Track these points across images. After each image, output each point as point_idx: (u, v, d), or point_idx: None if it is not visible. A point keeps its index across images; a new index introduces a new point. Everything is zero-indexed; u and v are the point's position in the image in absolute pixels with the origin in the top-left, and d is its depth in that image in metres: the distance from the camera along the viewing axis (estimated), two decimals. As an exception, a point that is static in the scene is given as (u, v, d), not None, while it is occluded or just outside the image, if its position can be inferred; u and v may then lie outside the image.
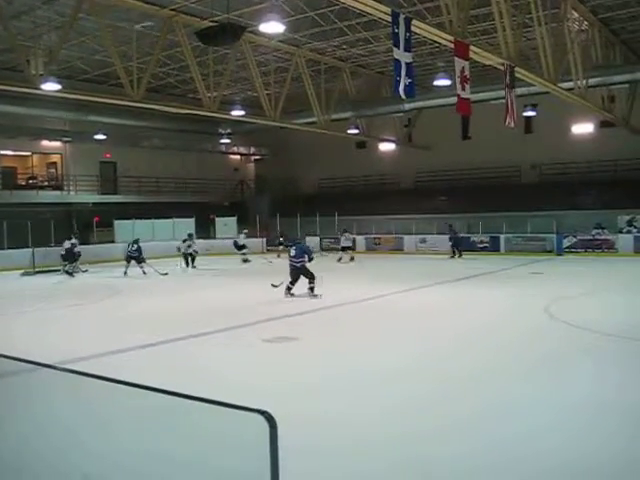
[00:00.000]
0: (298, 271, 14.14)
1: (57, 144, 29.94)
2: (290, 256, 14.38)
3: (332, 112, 24.77)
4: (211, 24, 15.98)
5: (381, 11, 11.20)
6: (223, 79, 20.92)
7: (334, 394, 6.68)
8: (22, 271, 22.03)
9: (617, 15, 19.50)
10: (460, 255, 24.99)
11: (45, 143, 29.68)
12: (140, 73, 18.45)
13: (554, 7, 16.79)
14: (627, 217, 24.81)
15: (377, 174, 34.27)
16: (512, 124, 14.72)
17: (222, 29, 13.53)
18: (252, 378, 7.29)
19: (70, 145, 30.16)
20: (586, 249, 24.69)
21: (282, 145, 35.08)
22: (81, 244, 22.83)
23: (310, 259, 14.25)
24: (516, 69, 14.60)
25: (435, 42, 14.71)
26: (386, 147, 33.48)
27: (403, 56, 11.26)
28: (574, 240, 25.05)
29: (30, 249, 23.12)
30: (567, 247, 25.08)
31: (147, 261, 20.76)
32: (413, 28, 11.41)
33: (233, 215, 32.61)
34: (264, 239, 31.20)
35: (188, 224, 29.02)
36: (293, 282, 14.20)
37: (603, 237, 24.60)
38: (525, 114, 26.85)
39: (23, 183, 29.53)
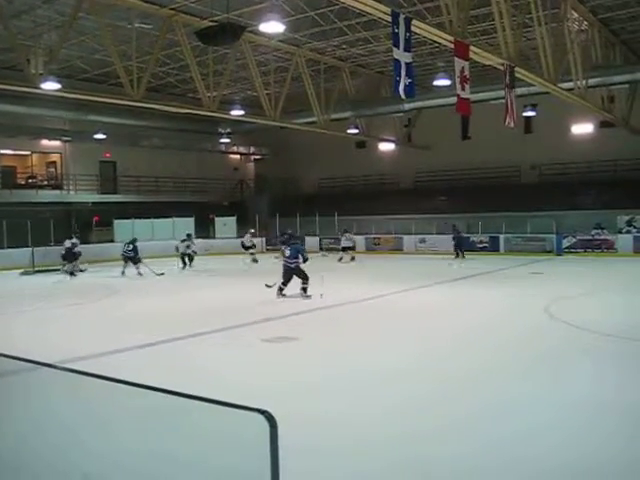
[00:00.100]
0: (292, 271, 14.10)
1: (57, 143, 29.91)
2: (285, 256, 14.35)
3: (332, 112, 24.76)
4: (211, 24, 15.97)
5: (381, 11, 11.19)
6: (223, 79, 20.91)
7: (334, 394, 6.68)
8: (21, 270, 22.03)
9: (617, 15, 19.50)
10: (463, 256, 24.99)
11: (45, 142, 29.66)
12: (140, 72, 18.44)
13: (554, 7, 16.79)
14: (626, 217, 24.80)
15: (377, 174, 34.27)
16: (512, 124, 14.71)
17: (222, 29, 13.53)
18: (252, 378, 7.29)
19: (70, 144, 30.14)
20: (586, 249, 24.69)
21: (282, 145, 35.07)
22: (81, 243, 22.78)
23: (305, 260, 14.22)
24: (516, 69, 14.60)
25: (435, 42, 14.70)
26: (386, 147, 33.48)
27: (403, 56, 11.26)
28: (574, 240, 25.06)
29: (29, 248, 23.13)
30: (567, 247, 25.09)
31: (144, 261, 20.61)
32: (413, 28, 11.40)
33: (233, 215, 32.63)
34: (263, 239, 31.21)
35: (187, 224, 29.04)
36: (285, 282, 14.15)
37: (603, 237, 24.60)
38: (525, 114, 26.87)
39: (23, 182, 29.49)
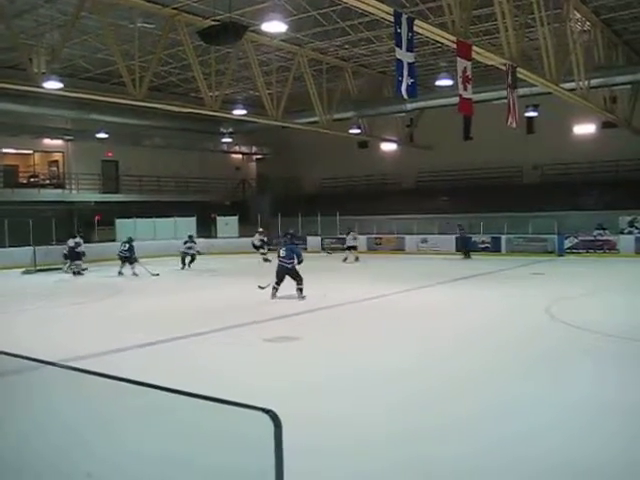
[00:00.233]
0: (287, 272, 13.96)
1: (59, 142, 29.97)
2: (280, 256, 14.26)
3: (334, 112, 24.75)
4: (213, 23, 15.96)
5: (383, 11, 11.19)
6: (225, 78, 20.91)
7: (336, 394, 6.68)
8: (23, 269, 22.04)
9: (619, 16, 19.49)
10: (469, 256, 24.98)
11: (47, 141, 29.71)
12: (142, 72, 18.45)
13: (556, 7, 16.79)
14: (628, 218, 24.80)
15: (379, 174, 34.27)
16: (514, 124, 14.71)
17: (224, 28, 13.52)
18: (253, 377, 7.29)
19: (72, 143, 30.20)
20: (587, 250, 24.67)
21: (284, 144, 35.08)
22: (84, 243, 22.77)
23: (299, 261, 14.14)
24: (518, 69, 14.59)
25: (437, 42, 14.69)
26: (388, 147, 33.49)
27: (405, 56, 11.26)
28: (575, 241, 25.03)
29: (31, 247, 23.15)
30: (568, 248, 25.06)
31: (140, 261, 20.39)
32: (415, 28, 11.41)
33: (234, 214, 32.63)
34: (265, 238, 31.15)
35: (189, 223, 29.09)
36: (279, 282, 14.08)
37: (604, 238, 24.56)
38: (527, 114, 26.68)
39: (25, 181, 29.54)
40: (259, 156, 39.51)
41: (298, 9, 18.14)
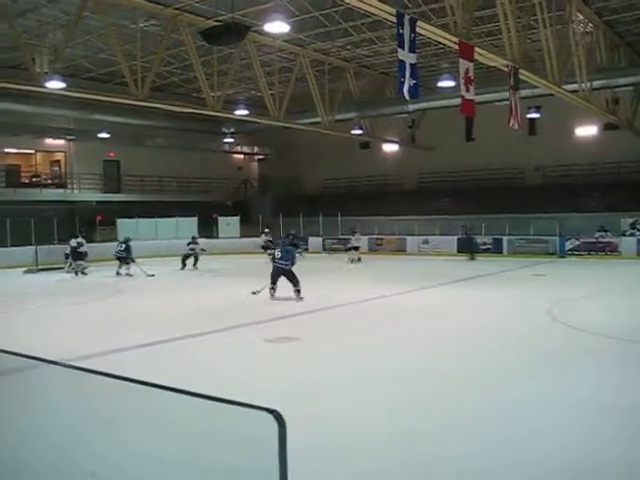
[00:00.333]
0: (282, 272, 13.93)
1: (61, 142, 30.00)
2: (276, 258, 14.26)
3: (336, 112, 24.74)
4: (216, 23, 15.99)
5: (386, 12, 11.18)
6: (227, 78, 20.93)
7: (337, 394, 6.68)
8: (25, 269, 22.05)
9: (622, 17, 19.48)
10: (474, 257, 24.95)
11: (49, 141, 29.75)
12: (144, 72, 18.46)
13: (559, 9, 16.77)
14: (630, 220, 24.76)
15: (380, 175, 34.26)
16: (516, 126, 14.69)
17: (227, 29, 13.55)
18: (254, 377, 7.30)
19: (74, 143, 30.23)
20: (589, 252, 24.65)
21: (286, 145, 35.08)
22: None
23: (292, 264, 14.08)
24: (520, 71, 14.58)
25: (440, 43, 14.68)
26: (390, 148, 33.47)
27: (407, 57, 11.25)
28: (577, 242, 25.01)
29: (33, 247, 23.15)
30: (570, 249, 25.04)
31: (137, 261, 20.38)
32: (418, 29, 11.41)
33: (236, 215, 32.65)
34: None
35: (191, 223, 29.11)
36: (274, 283, 14.04)
37: (606, 240, 24.53)
38: (529, 116, 26.82)
39: (27, 181, 29.58)
40: (261, 156, 39.53)
41: (300, 10, 18.14)
